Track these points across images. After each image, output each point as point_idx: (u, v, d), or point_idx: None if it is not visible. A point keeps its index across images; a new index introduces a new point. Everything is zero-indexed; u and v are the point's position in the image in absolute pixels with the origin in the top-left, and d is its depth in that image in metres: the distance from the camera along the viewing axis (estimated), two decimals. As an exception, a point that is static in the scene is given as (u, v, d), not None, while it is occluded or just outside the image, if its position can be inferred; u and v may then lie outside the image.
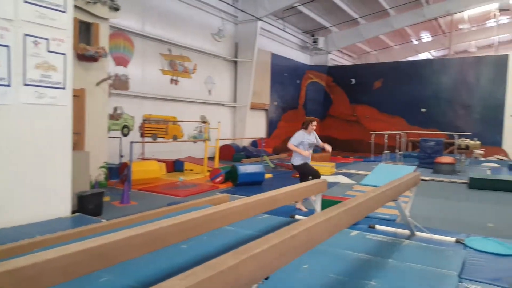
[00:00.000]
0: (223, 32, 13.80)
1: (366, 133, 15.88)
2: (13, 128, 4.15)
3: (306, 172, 5.92)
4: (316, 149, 6.77)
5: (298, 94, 19.25)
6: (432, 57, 24.52)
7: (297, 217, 5.15)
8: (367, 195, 3.32)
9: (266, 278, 1.68)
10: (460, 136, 14.48)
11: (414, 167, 8.41)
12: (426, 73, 17.48)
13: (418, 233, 4.46)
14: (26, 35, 4.14)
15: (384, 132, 14.60)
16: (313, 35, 19.01)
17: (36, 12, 4.20)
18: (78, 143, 6.74)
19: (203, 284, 1.20)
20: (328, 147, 6.06)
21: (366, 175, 9.16)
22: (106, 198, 6.10)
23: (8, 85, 4.05)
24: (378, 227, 4.81)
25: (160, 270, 2.89)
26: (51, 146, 4.52)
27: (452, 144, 14.22)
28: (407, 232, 4.52)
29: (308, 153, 5.89)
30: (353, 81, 19.31)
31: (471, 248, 3.95)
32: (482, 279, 3.13)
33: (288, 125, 18.17)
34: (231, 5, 13.39)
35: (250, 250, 1.51)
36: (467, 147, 12.79)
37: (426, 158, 11.74)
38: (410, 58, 24.28)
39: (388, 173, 7.77)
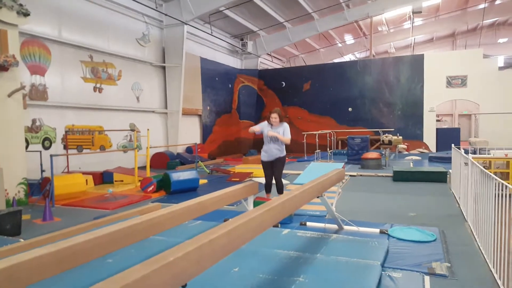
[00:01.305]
0: (148, 37, 13.44)
1: (299, 134, 16.54)
2: None
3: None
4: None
5: (231, 98, 19.43)
6: (356, 59, 26.32)
7: (308, 224, 5.05)
8: (291, 193, 3.51)
9: (184, 286, 1.72)
10: (384, 132, 15.79)
11: (343, 163, 8.99)
12: (351, 74, 18.72)
13: (346, 227, 4.73)
14: None
15: (315, 132, 15.39)
16: (242, 39, 19.31)
17: None
18: (-12, 160, 6.13)
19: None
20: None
21: (299, 174, 9.57)
22: (26, 216, 5.66)
23: None
24: (309, 224, 5.02)
25: (81, 288, 2.78)
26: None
27: (378, 140, 15.43)
28: (335, 226, 4.78)
29: (252, 129, 5.63)
30: (284, 84, 20.07)
31: (394, 237, 4.29)
32: (403, 266, 3.44)
33: (222, 130, 18.28)
34: (155, 9, 13.09)
35: (163, 259, 1.54)
36: (390, 142, 13.98)
37: (354, 154, 12.56)
38: (336, 60, 25.80)
39: (319, 171, 8.17)
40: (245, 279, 3.11)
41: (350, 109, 18.80)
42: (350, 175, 9.94)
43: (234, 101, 19.72)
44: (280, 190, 5.71)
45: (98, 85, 11.36)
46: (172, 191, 7.53)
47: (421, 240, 4.17)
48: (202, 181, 8.94)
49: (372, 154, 11.43)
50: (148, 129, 10.13)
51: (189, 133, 15.68)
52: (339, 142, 17.80)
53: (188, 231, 4.43)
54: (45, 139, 9.72)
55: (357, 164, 11.96)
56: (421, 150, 16.87)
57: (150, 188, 7.70)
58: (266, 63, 22.66)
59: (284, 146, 5.57)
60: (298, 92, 19.72)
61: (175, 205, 3.42)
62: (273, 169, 5.61)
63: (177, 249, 1.66)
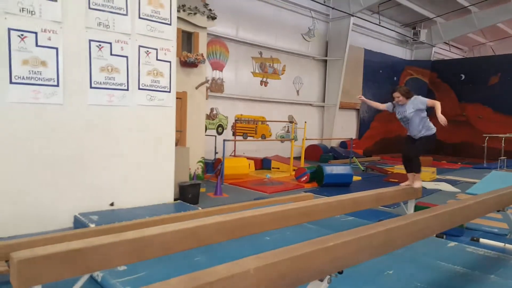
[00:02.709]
0: (314, 32, 13.81)
1: (478, 136, 14.22)
2: (130, 125, 4.89)
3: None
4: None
5: (396, 92, 18.14)
6: None
7: (482, 240, 4.38)
8: (462, 202, 3.11)
9: (340, 272, 1.76)
10: None
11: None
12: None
13: None
14: (140, 46, 4.83)
15: (501, 135, 12.87)
16: (414, 28, 17.70)
17: (147, 26, 4.87)
18: (180, 140, 7.53)
19: (276, 265, 1.36)
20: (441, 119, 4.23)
21: (474, 183, 8.29)
22: (202, 189, 6.71)
23: (126, 90, 4.79)
24: (482, 240, 4.35)
25: (243, 255, 3.15)
26: (159, 141, 5.20)
27: None
28: (519, 249, 4.06)
29: (365, 99, 4.97)
30: (463, 76, 17.34)
31: None
32: None
33: (382, 126, 17.26)
34: (323, 4, 13.31)
35: (323, 242, 1.62)
36: None
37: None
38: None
39: (502, 182, 6.84)
40: (399, 283, 2.93)
41: None
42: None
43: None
44: (415, 168, 4.58)
45: (264, 79, 12.42)
46: (324, 184, 7.64)
47: None
48: (356, 178, 8.75)
49: None
50: (305, 122, 10.52)
51: (345, 128, 15.50)
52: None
53: (340, 225, 4.44)
54: (219, 125, 11.26)
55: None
56: None
57: (304, 178, 8.02)
58: (442, 53, 20.15)
59: (429, 123, 4.42)
60: (481, 86, 16.67)
61: (329, 198, 3.47)
62: (414, 144, 4.52)
63: (337, 236, 1.71)
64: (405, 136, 4.72)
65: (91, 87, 4.48)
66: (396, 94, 4.47)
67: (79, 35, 4.37)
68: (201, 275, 1.28)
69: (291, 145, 9.58)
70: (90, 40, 4.44)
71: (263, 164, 10.35)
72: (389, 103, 4.73)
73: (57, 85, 4.20)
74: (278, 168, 9.96)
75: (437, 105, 4.33)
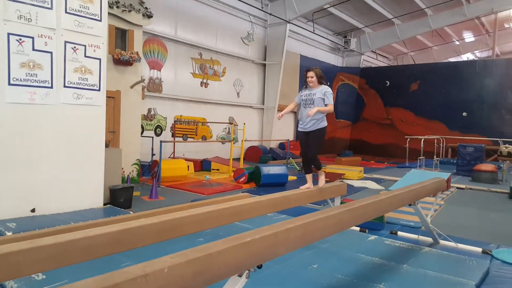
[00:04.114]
0: (253, 36, 14.06)
1: (401, 138, 15.41)
2: (54, 126, 4.58)
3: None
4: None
5: (329, 96, 19.08)
6: (476, 59, 23.44)
7: (399, 233, 4.82)
8: (377, 196, 3.38)
9: (259, 267, 1.84)
10: (504, 143, 13.75)
11: (449, 174, 8.16)
12: (468, 75, 16.58)
13: (442, 242, 4.38)
14: (66, 42, 4.56)
15: (420, 137, 14.15)
16: (345, 37, 18.77)
17: (75, 21, 4.62)
18: (113, 141, 7.21)
19: (191, 263, 1.39)
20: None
21: (397, 181, 9.01)
22: (136, 193, 6.49)
23: (50, 87, 4.49)
24: (400, 233, 4.77)
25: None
26: (87, 142, 4.94)
27: (496, 151, 13.51)
28: (430, 240, 4.45)
29: (281, 113, 4.21)
30: (388, 83, 18.81)
31: (498, 259, 3.83)
32: (504, 291, 3.05)
33: (317, 128, 18.07)
34: (261, 9, 13.61)
35: (241, 238, 1.68)
36: (510, 154, 12.07)
37: (464, 165, 11.30)
38: (451, 59, 23.30)
39: (420, 179, 7.53)
40: (322, 277, 3.12)
41: (464, 113, 16.73)
42: (458, 187, 9.01)
43: (332, 99, 19.29)
44: (316, 166, 4.34)
45: (204, 81, 12.35)
46: (262, 184, 7.82)
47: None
48: (291, 178, 9.06)
49: (486, 166, 10.15)
50: (244, 123, 10.65)
51: (283, 130, 15.97)
52: (449, 150, 16.10)
53: (272, 223, 4.58)
54: (157, 126, 10.97)
55: (467, 176, 10.71)
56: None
57: (242, 179, 8.13)
58: (370, 61, 21.64)
59: (324, 116, 4.10)
60: (404, 92, 18.24)
61: (261, 196, 3.58)
62: (308, 142, 4.18)
63: (255, 232, 1.78)
64: (299, 134, 4.24)
65: (9, 84, 4.13)
66: (310, 74, 4.05)
67: (-5, 27, 4.02)
68: (112, 275, 1.26)
69: (231, 146, 9.66)
70: (9, 34, 4.10)
71: (203, 165, 10.30)
72: (297, 96, 4.30)
73: (-33, 81, 3.83)
74: (218, 170, 9.98)
75: (327, 110, 4.05)
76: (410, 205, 3.93)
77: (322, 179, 4.24)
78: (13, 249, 1.74)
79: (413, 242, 4.31)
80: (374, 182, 9.28)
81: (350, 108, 19.88)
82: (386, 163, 15.28)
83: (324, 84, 4.10)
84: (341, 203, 4.92)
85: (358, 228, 4.76)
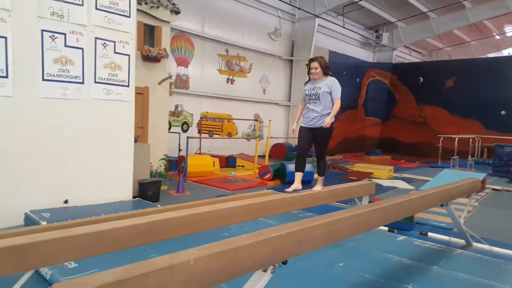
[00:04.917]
0: (280, 31, 13.96)
1: (434, 137, 14.85)
2: (85, 120, 4.73)
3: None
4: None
5: (358, 93, 18.61)
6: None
7: (430, 234, 4.69)
8: (408, 196, 3.28)
9: (284, 263, 1.81)
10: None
11: (484, 175, 7.82)
12: (508, 71, 15.64)
13: (475, 244, 4.23)
14: (97, 38, 4.69)
15: (454, 136, 13.62)
16: (376, 31, 18.25)
17: (105, 17, 4.74)
18: (142, 136, 7.37)
19: (217, 256, 1.38)
20: (327, 120, 3.58)
21: (428, 181, 8.73)
22: (164, 187, 6.60)
23: (82, 83, 4.63)
24: (431, 234, 4.64)
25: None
26: (116, 137, 5.07)
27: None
28: (462, 242, 4.31)
29: (294, 125, 3.97)
30: (421, 79, 18.12)
31: None
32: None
33: (345, 126, 17.72)
34: (289, 4, 13.48)
35: (267, 234, 1.66)
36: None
37: (501, 166, 10.78)
38: (491, 55, 22.15)
39: (452, 180, 7.24)
40: (348, 275, 3.06)
41: (503, 112, 15.81)
42: (493, 189, 8.62)
43: (361, 96, 18.82)
44: (320, 169, 3.98)
45: (230, 77, 12.40)
46: (287, 181, 7.76)
47: None
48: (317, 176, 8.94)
49: (525, 167, 9.63)
50: (270, 120, 10.62)
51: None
52: (485, 149, 15.38)
53: (297, 220, 4.54)
54: (184, 123, 11.13)
55: (504, 177, 10.22)
56: None
57: (267, 176, 8.11)
58: (403, 56, 20.96)
59: (331, 110, 3.69)
60: (438, 89, 17.45)
61: (286, 194, 3.54)
62: (314, 140, 3.78)
63: (281, 228, 1.76)
64: (301, 128, 3.83)
65: (43, 79, 4.29)
66: (314, 64, 3.60)
67: (30, 24, 4.17)
68: (138, 266, 1.27)
69: (256, 143, 9.65)
70: (42, 30, 4.25)
71: (228, 162, 10.35)
72: (303, 95, 3.86)
73: (6, 76, 3.99)
74: (243, 166, 10.00)
75: (336, 109, 3.68)
76: (442, 205, 3.79)
77: (320, 185, 3.79)
78: (47, 238, 1.80)
79: (444, 243, 4.20)
80: (404, 181, 9.02)
81: (381, 105, 19.30)
82: (417, 162, 14.81)
83: (330, 76, 3.69)
84: (369, 202, 4.81)
85: (386, 228, 4.64)
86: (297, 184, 3.73)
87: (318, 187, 3.71)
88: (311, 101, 3.67)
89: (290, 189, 3.64)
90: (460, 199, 4.94)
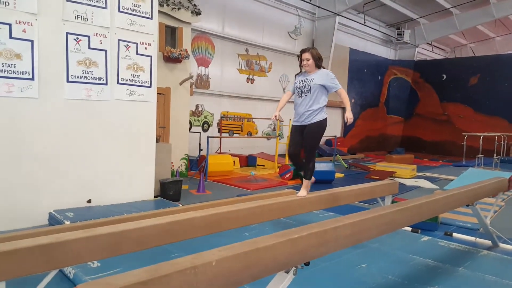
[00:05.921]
0: (300, 30, 13.85)
1: (458, 135, 14.48)
2: (108, 121, 4.82)
3: None
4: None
5: (380, 91, 18.28)
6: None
7: (455, 235, 4.53)
8: (433, 196, 3.19)
9: (307, 264, 1.78)
10: None
11: (511, 174, 7.52)
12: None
13: (502, 245, 4.10)
14: (120, 40, 4.77)
15: (479, 134, 13.17)
16: (398, 28, 17.86)
17: (127, 20, 4.82)
18: (163, 136, 7.47)
19: (239, 257, 1.37)
20: (348, 116, 3.42)
21: (452, 180, 8.48)
22: (185, 186, 6.67)
23: (105, 84, 4.72)
24: (455, 235, 4.51)
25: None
26: (139, 137, 5.15)
27: None
28: (488, 242, 4.18)
29: (276, 112, 3.61)
30: (444, 76, 17.65)
31: None
32: None
33: (366, 124, 17.46)
34: (309, 2, 13.36)
35: (289, 234, 1.63)
36: None
37: (528, 164, 10.38)
38: (517, 51, 21.33)
39: (478, 179, 6.98)
40: (372, 276, 2.99)
41: None
42: (520, 189, 8.24)
43: (383, 94, 18.48)
44: (307, 172, 3.55)
45: (250, 76, 12.40)
46: (308, 181, 7.69)
47: None
48: (339, 175, 8.83)
49: (556, 166, 9.18)
50: (290, 119, 10.52)
51: (330, 126, 15.56)
52: (511, 148, 14.81)
53: (318, 220, 4.49)
54: (205, 122, 11.21)
55: (532, 176, 9.78)
56: None
57: (287, 175, 8.06)
58: (425, 53, 20.41)
59: (324, 106, 3.40)
60: (462, 86, 16.99)
61: (308, 193, 3.49)
62: (303, 137, 3.46)
63: (303, 229, 1.72)
64: (293, 127, 3.67)
65: (67, 81, 4.40)
66: (306, 55, 3.32)
67: (56, 27, 4.28)
68: (161, 266, 1.27)
69: (276, 142, 9.61)
70: (67, 33, 4.36)
71: (249, 161, 10.35)
72: (291, 86, 3.66)
73: (32, 79, 4.12)
74: (263, 165, 9.98)
75: (347, 99, 3.43)
76: (468, 205, 3.67)
77: (305, 190, 3.40)
78: (71, 237, 1.83)
79: (469, 244, 4.07)
80: (427, 181, 8.77)
81: (403, 103, 18.89)
82: (441, 161, 14.40)
83: (323, 68, 3.44)
84: (392, 202, 4.70)
85: (410, 228, 4.52)
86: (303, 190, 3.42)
87: (303, 192, 3.34)
88: (302, 94, 3.40)
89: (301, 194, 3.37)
90: (486, 199, 4.78)
